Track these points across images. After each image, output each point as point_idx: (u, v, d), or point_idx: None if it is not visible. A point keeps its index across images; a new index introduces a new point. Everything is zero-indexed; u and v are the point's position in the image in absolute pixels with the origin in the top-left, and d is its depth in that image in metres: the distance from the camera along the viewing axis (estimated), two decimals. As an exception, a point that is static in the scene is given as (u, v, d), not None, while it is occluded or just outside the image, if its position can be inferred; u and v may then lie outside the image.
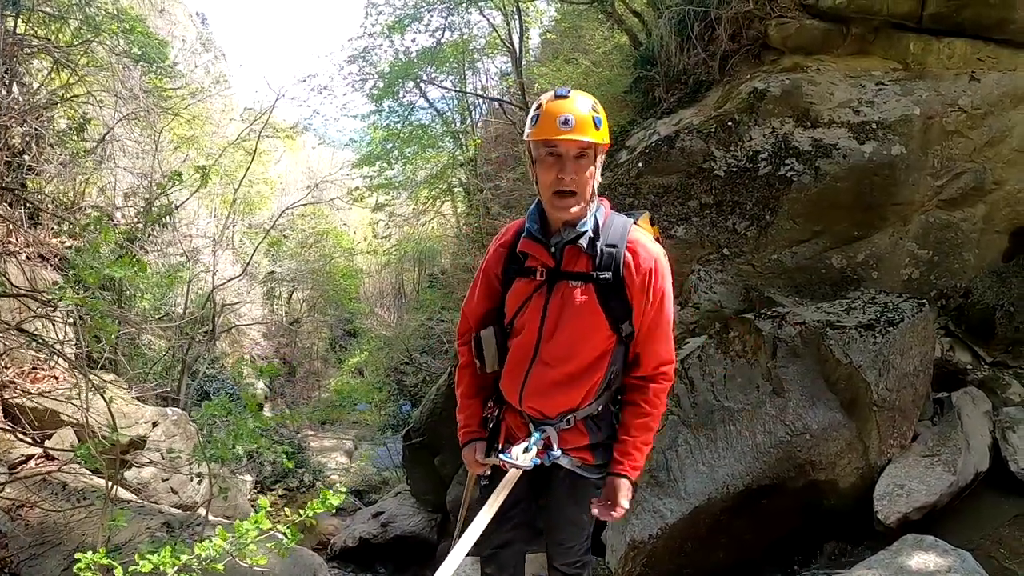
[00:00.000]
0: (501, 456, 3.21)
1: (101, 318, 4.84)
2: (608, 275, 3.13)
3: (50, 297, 5.28)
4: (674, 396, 7.79)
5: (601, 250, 3.15)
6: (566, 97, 3.06)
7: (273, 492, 18.87)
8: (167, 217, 13.77)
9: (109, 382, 9.69)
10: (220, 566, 3.75)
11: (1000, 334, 8.80)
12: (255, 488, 18.18)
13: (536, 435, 3.27)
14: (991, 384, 8.31)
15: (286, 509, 18.47)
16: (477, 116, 22.90)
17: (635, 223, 3.29)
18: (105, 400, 5.37)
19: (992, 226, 9.15)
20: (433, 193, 23.16)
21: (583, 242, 3.17)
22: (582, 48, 16.40)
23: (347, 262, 30.55)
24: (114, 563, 3.57)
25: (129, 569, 3.56)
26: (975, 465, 7.18)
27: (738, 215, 9.02)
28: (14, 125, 10.34)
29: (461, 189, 22.38)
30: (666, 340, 3.26)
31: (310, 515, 3.84)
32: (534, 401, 3.35)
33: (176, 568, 3.59)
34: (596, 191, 3.22)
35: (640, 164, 9.48)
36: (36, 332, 7.44)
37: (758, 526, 7.32)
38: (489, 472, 3.52)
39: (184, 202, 15.26)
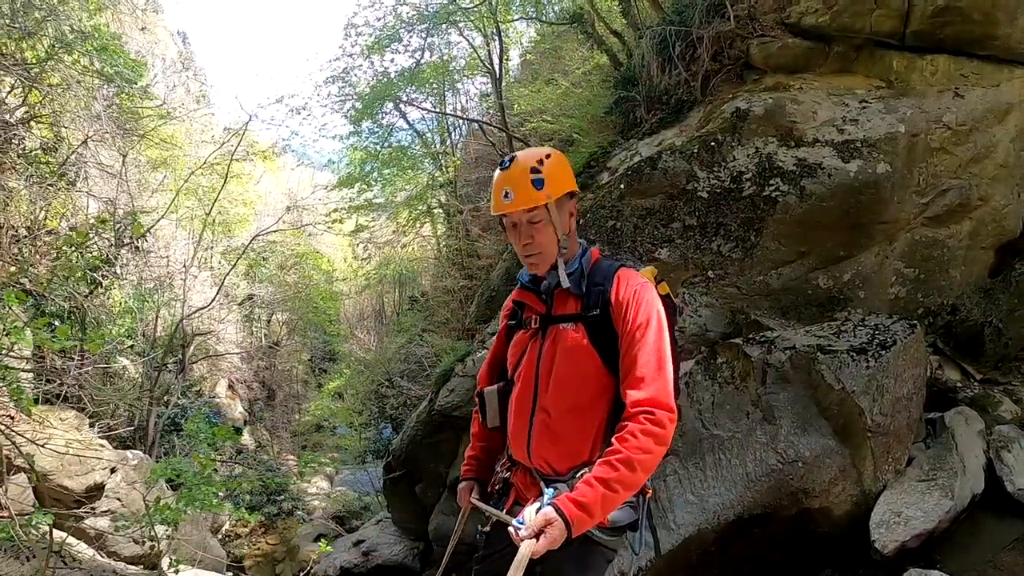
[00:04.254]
0: (514, 522, 2.86)
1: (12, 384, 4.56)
2: (597, 311, 3.10)
3: None
4: (660, 424, 7.62)
5: (588, 289, 3.15)
6: (507, 168, 3.13)
7: (253, 517, 18.63)
8: (138, 240, 13.51)
9: (66, 421, 9.38)
10: None
11: (989, 351, 8.72)
12: (233, 516, 17.95)
13: (549, 492, 2.99)
14: (982, 402, 8.18)
15: (265, 537, 18.30)
16: (457, 137, 22.84)
17: (639, 272, 3.25)
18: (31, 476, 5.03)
19: (978, 242, 9.09)
20: (413, 215, 23.03)
21: (570, 284, 3.18)
22: (562, 69, 16.35)
23: (327, 284, 30.35)
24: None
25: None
26: (971, 488, 7.03)
27: (722, 237, 8.89)
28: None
29: (441, 211, 22.25)
30: (652, 373, 2.95)
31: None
32: (543, 453, 3.17)
33: None
34: (573, 233, 3.29)
35: (622, 186, 9.35)
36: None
37: (751, 556, 7.14)
38: (488, 528, 3.33)
39: (153, 225, 15.01)
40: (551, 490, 2.98)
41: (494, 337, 3.68)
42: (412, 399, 18.81)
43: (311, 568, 14.96)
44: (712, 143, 9.08)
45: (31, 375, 8.53)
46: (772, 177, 8.74)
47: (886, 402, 7.01)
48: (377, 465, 19.33)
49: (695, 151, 9.10)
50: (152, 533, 5.35)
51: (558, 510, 2.67)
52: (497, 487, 3.45)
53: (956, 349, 8.81)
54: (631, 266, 3.26)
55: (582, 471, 2.94)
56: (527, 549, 2.62)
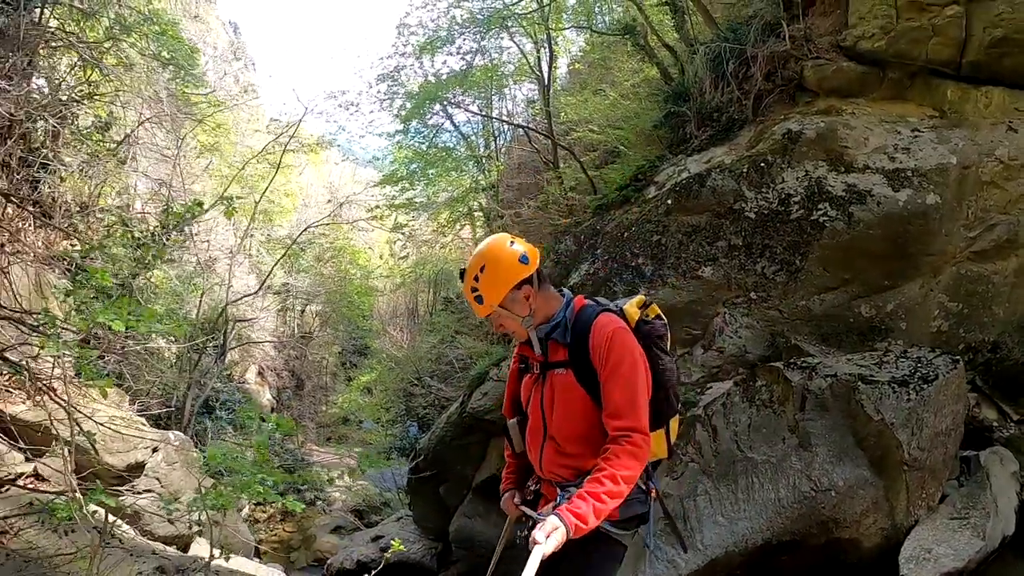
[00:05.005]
0: (538, 516, 3.60)
1: (86, 364, 4.58)
2: (579, 356, 3.66)
3: (37, 324, 5.00)
4: (695, 444, 7.62)
5: (573, 338, 3.70)
6: (462, 283, 3.80)
7: (273, 506, 18.74)
8: (185, 228, 13.60)
9: (107, 398, 9.41)
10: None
11: (1028, 391, 8.58)
12: (254, 501, 18.05)
13: (561, 496, 3.58)
14: (1017, 443, 8.03)
15: (283, 524, 18.40)
16: (501, 142, 22.84)
17: (621, 307, 3.81)
18: (91, 443, 5.04)
19: (1023, 280, 8.92)
20: (453, 216, 23.07)
21: (557, 335, 3.74)
22: (610, 80, 16.33)
23: (363, 279, 30.44)
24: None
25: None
26: (1003, 529, 6.92)
27: (767, 259, 8.85)
28: (32, 120, 10.18)
29: (481, 214, 22.25)
30: (623, 402, 3.51)
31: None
32: (554, 469, 3.81)
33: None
34: (538, 304, 3.76)
35: (669, 201, 9.34)
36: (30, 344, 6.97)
37: (776, 583, 7.09)
38: (526, 532, 3.64)
39: (208, 208, 15.15)
40: (563, 494, 3.55)
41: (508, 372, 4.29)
42: (441, 399, 18.82)
43: (329, 560, 15.10)
44: (762, 164, 9.04)
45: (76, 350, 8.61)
46: (821, 201, 8.69)
47: (924, 437, 6.94)
48: (401, 462, 19.38)
49: (744, 171, 9.06)
50: (205, 517, 5.38)
51: (561, 518, 3.23)
52: (529, 497, 4.05)
53: (995, 388, 8.65)
54: (611, 309, 3.80)
55: (587, 477, 3.48)
56: (538, 553, 3.15)
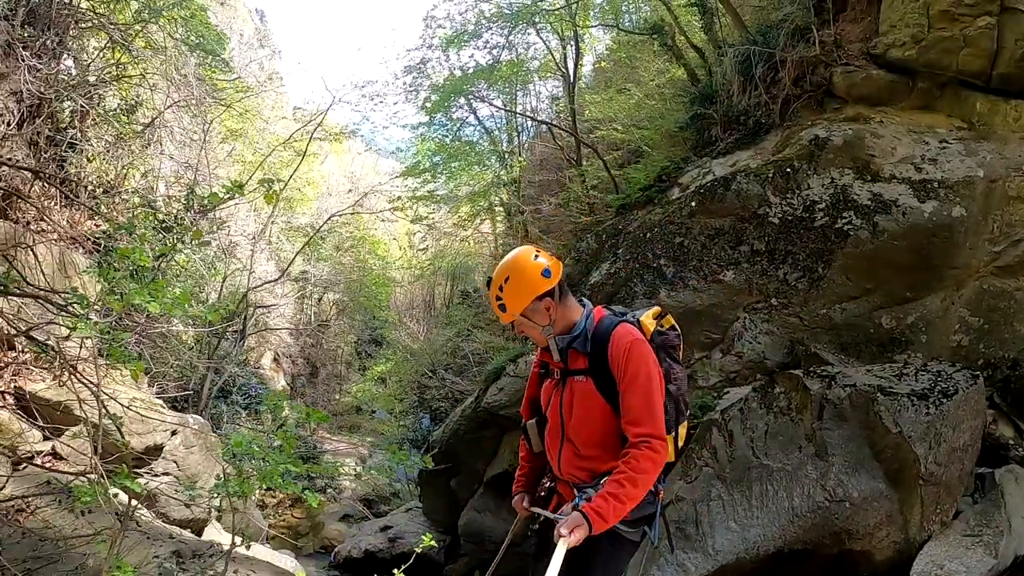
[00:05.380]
0: (551, 515, 3.91)
1: (118, 346, 4.55)
2: (598, 366, 3.84)
3: (65, 303, 4.99)
4: (711, 449, 7.59)
5: (593, 348, 3.89)
6: (489, 285, 3.98)
7: (282, 493, 18.78)
8: (215, 213, 13.62)
9: (126, 379, 9.42)
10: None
11: (1046, 410, 8.51)
12: (263, 489, 18.07)
13: (579, 497, 3.79)
14: (1033, 463, 8.00)
15: (292, 510, 18.44)
16: (525, 137, 22.79)
17: (638, 318, 4.00)
18: (117, 426, 5.00)
19: (1046, 298, 8.85)
20: (474, 210, 23.05)
21: (577, 345, 3.94)
22: (635, 79, 16.26)
23: (381, 270, 30.47)
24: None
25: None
26: (1016, 549, 6.87)
27: (790, 265, 8.83)
28: (60, 100, 10.21)
29: (502, 209, 22.22)
30: (642, 410, 3.70)
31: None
32: (571, 471, 4.01)
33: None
34: (559, 314, 3.96)
35: (693, 203, 9.31)
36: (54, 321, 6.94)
37: (786, 592, 7.06)
38: (537, 527, 4.19)
39: (231, 194, 15.16)
40: (581, 495, 3.79)
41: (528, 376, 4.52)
42: (455, 392, 18.81)
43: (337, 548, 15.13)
44: (788, 169, 9.01)
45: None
46: (846, 210, 8.66)
47: (942, 451, 6.90)
48: (413, 454, 19.39)
49: (770, 175, 9.04)
50: (229, 504, 5.39)
51: (584, 515, 3.50)
52: (542, 494, 4.26)
53: (1013, 405, 8.57)
54: (628, 320, 3.98)
55: (603, 479, 3.75)
56: (564, 545, 3.42)
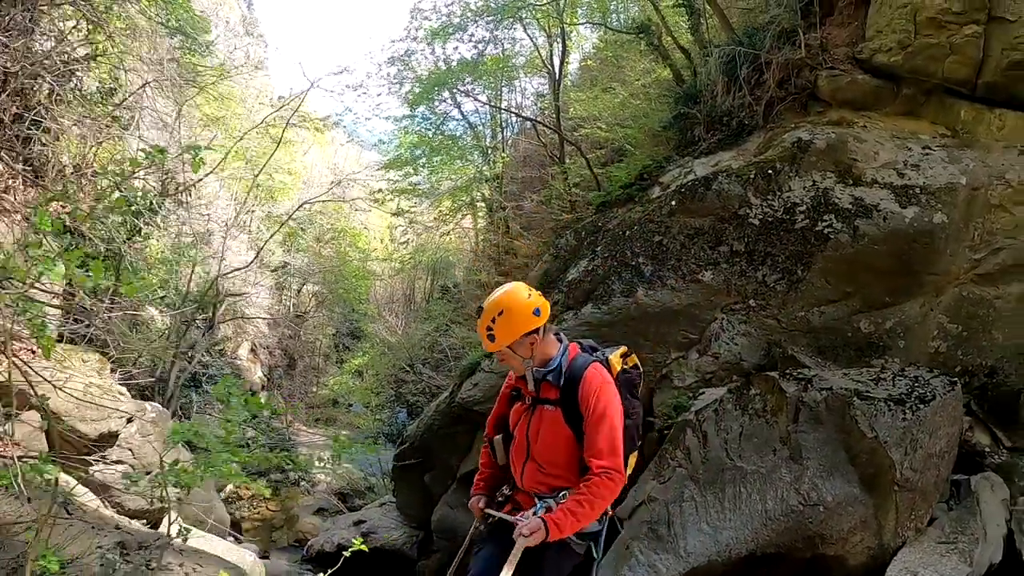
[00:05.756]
0: (519, 519, 4.21)
1: (36, 322, 4.39)
2: (568, 400, 4.27)
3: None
4: (684, 449, 7.55)
5: (565, 383, 4.30)
6: (478, 319, 4.34)
7: (257, 484, 18.67)
8: (182, 194, 13.44)
9: (88, 364, 9.25)
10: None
11: (1022, 419, 8.48)
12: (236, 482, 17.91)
13: (539, 505, 4.32)
14: (1008, 470, 7.96)
15: (267, 503, 18.31)
16: (508, 133, 22.71)
17: (607, 357, 4.47)
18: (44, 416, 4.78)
19: (1025, 306, 8.85)
20: (455, 205, 22.98)
21: (551, 378, 4.36)
22: (621, 79, 16.23)
23: (361, 263, 30.35)
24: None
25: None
26: (990, 557, 6.86)
27: (769, 267, 8.79)
28: (32, 76, 10.02)
29: (483, 204, 22.16)
30: (606, 446, 4.14)
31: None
32: (533, 484, 4.46)
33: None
34: (539, 349, 4.36)
35: (673, 202, 9.26)
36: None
37: (757, 596, 7.01)
38: (483, 528, 4.64)
39: (199, 180, 14.97)
40: (541, 504, 4.31)
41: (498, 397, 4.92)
42: (432, 387, 18.75)
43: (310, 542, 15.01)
44: (769, 171, 8.97)
45: (59, 313, 8.44)
46: (827, 213, 8.62)
47: (918, 457, 6.87)
48: (388, 448, 19.28)
49: (751, 176, 8.99)
50: (164, 494, 5.28)
51: (544, 523, 3.99)
52: (499, 499, 4.70)
53: (989, 413, 8.59)
54: (598, 358, 4.42)
55: (561, 493, 4.27)
56: (523, 543, 3.96)
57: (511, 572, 3.93)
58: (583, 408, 4.22)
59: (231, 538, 11.75)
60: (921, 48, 9.06)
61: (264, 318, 26.87)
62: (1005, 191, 8.67)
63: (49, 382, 6.13)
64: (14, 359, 5.53)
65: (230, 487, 16.94)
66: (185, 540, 5.87)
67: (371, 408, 25.11)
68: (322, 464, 19.17)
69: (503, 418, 4.78)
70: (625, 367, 4.59)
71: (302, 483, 19.72)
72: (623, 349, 4.66)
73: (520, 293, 4.30)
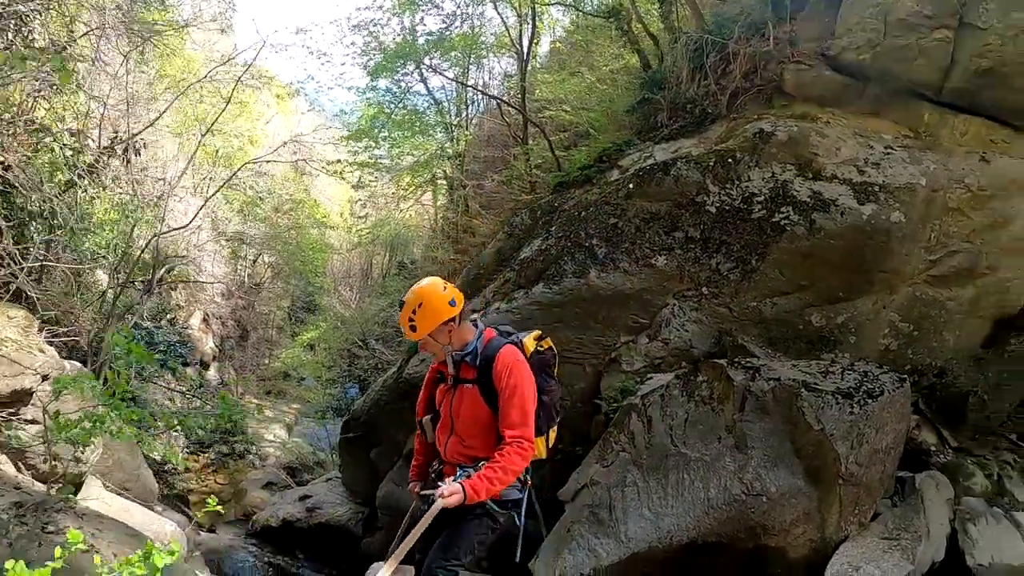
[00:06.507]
0: (435, 493, 4.59)
1: None
2: (484, 378, 4.78)
3: None
4: (628, 434, 7.51)
5: (480, 363, 4.82)
6: (401, 310, 4.82)
7: (205, 455, 18.45)
8: (126, 153, 13.10)
9: (12, 320, 9.01)
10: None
11: (969, 420, 8.62)
12: (186, 449, 17.69)
13: (459, 473, 4.74)
14: (953, 470, 8.07)
15: (215, 475, 18.11)
16: (473, 112, 22.56)
17: (521, 340, 4.96)
18: None
19: (977, 310, 8.97)
20: (416, 181, 22.81)
21: (468, 359, 4.87)
22: (589, 63, 16.12)
23: (319, 235, 30.07)
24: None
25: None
26: (933, 555, 6.93)
27: (723, 255, 8.77)
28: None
29: (444, 182, 22.03)
30: (518, 418, 4.65)
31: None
32: (455, 456, 4.96)
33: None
34: (456, 336, 4.85)
35: (631, 185, 9.20)
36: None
37: (697, 585, 6.97)
38: (429, 503, 4.78)
39: (138, 134, 14.64)
40: (462, 472, 4.73)
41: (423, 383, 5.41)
42: (383, 363, 18.64)
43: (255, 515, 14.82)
44: (729, 159, 8.94)
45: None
46: (784, 205, 8.61)
47: (864, 452, 6.86)
48: (337, 422, 19.14)
49: (711, 164, 8.96)
50: (52, 451, 5.12)
51: (463, 487, 4.48)
52: (433, 476, 5.18)
53: (937, 412, 8.69)
54: (513, 341, 4.92)
55: (480, 463, 4.69)
56: (441, 503, 4.43)
57: (424, 529, 4.41)
58: (497, 384, 4.71)
59: (157, 510, 11.45)
60: (890, 49, 9.08)
61: (212, 282, 26.43)
62: (964, 195, 8.75)
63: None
64: None
65: (180, 457, 16.70)
66: (71, 501, 5.70)
67: (322, 382, 24.92)
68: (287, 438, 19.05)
69: (431, 400, 5.27)
70: (539, 348, 5.07)
71: (249, 455, 19.51)
72: (537, 333, 5.17)
73: (436, 286, 4.81)
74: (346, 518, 13.36)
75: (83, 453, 5.62)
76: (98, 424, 4.05)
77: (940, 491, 7.53)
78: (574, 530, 7.30)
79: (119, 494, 9.27)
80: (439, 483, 4.77)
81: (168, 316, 21.64)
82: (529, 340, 5.02)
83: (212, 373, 24.89)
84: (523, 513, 5.07)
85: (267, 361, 31.21)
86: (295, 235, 29.03)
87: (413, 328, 4.78)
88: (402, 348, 14.64)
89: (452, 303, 4.77)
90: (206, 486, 17.45)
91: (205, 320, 27.68)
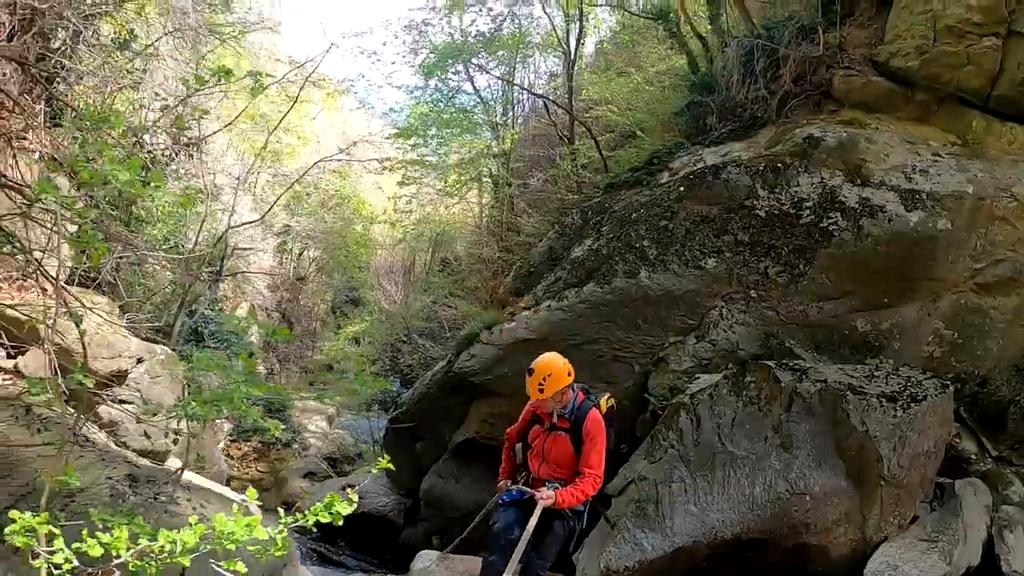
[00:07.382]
0: (537, 494, 5.94)
1: (89, 230, 4.33)
2: (576, 430, 6.11)
3: (36, 192, 4.71)
4: (677, 431, 7.67)
5: (574, 418, 6.14)
6: (531, 375, 6.01)
7: (248, 443, 18.73)
8: (194, 148, 13.41)
9: (98, 306, 9.33)
10: (186, 560, 3.27)
11: (1011, 430, 8.63)
12: (230, 436, 18.02)
13: (550, 485, 6.01)
14: (993, 478, 8.10)
15: (256, 463, 18.39)
16: (519, 111, 22.63)
17: (598, 402, 6.27)
18: (79, 331, 4.77)
19: (1020, 319, 8.96)
20: (462, 179, 22.89)
21: (566, 414, 6.17)
22: (636, 64, 16.16)
23: (363, 231, 30.22)
24: (55, 530, 3.09)
25: (73, 547, 3.11)
26: (969, 559, 7.00)
27: (772, 259, 8.88)
28: (54, 16, 9.97)
29: (490, 180, 22.09)
30: (596, 461, 6.03)
31: (311, 521, 3.46)
32: (547, 476, 6.20)
33: (131, 552, 3.18)
34: (568, 397, 6.17)
35: (681, 188, 9.34)
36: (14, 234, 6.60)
37: (739, 579, 7.13)
38: (507, 497, 6.35)
39: (214, 133, 14.97)
40: (551, 485, 6.01)
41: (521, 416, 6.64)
42: (428, 358, 18.75)
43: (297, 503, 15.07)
44: (779, 164, 9.04)
45: (72, 253, 8.45)
46: (832, 210, 8.71)
47: (905, 455, 6.99)
48: (380, 415, 19.33)
49: (760, 169, 9.06)
50: (179, 426, 5.39)
51: (555, 495, 5.78)
52: (521, 481, 6.39)
53: (978, 420, 8.71)
54: (595, 403, 6.24)
55: (563, 483, 6.03)
56: (543, 503, 5.74)
57: (535, 522, 5.67)
58: (585, 437, 6.05)
59: (230, 489, 11.79)
60: (938, 55, 9.14)
61: (267, 274, 26.79)
62: (1010, 204, 8.80)
63: (82, 302, 6.12)
64: (42, 270, 5.53)
65: (222, 444, 17.00)
66: (174, 476, 5.92)
67: (367, 376, 25.02)
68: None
69: (523, 431, 6.55)
70: (610, 408, 6.37)
71: (293, 445, 19.79)
72: (607, 395, 6.53)
73: (560, 361, 6.06)
74: (388, 509, 13.55)
75: (185, 426, 5.85)
76: (227, 401, 4.21)
77: (978, 497, 7.60)
78: (620, 524, 7.48)
79: (198, 473, 9.58)
80: (526, 488, 6.16)
81: (218, 307, 22.00)
82: (603, 402, 6.32)
83: (253, 336, 25.16)
84: (584, 521, 6.42)
85: (310, 353, 31.50)
86: (341, 230, 29.27)
87: (541, 390, 5.98)
88: (449, 344, 14.78)
89: (569, 374, 6.06)
90: (247, 473, 17.72)
91: (251, 312, 28.04)
